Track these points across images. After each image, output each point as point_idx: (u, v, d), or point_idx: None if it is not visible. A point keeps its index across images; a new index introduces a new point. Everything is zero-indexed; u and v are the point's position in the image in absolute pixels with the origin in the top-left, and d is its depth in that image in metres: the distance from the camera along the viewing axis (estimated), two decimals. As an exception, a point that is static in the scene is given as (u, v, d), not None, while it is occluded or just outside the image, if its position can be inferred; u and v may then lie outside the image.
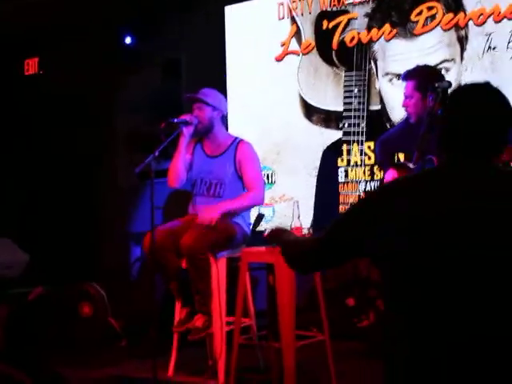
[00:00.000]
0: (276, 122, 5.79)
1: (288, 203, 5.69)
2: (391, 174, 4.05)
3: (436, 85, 3.45)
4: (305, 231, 3.96)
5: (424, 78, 3.86)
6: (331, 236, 1.85)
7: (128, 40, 6.38)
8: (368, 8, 5.38)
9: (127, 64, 6.56)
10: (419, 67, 4.09)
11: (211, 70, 6.17)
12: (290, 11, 5.74)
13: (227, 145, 4.41)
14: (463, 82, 4.72)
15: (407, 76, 3.99)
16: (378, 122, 5.35)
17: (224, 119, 4.57)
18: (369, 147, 5.37)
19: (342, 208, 5.47)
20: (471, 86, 1.87)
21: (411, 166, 3.98)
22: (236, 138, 4.46)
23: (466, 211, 1.62)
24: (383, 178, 4.26)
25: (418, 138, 3.40)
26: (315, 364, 4.19)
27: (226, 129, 4.82)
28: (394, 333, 1.64)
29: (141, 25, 6.44)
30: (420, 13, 5.15)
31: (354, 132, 5.44)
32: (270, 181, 5.80)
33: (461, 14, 5.01)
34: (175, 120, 4.26)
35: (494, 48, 4.86)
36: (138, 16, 6.40)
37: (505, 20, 4.85)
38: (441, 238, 1.60)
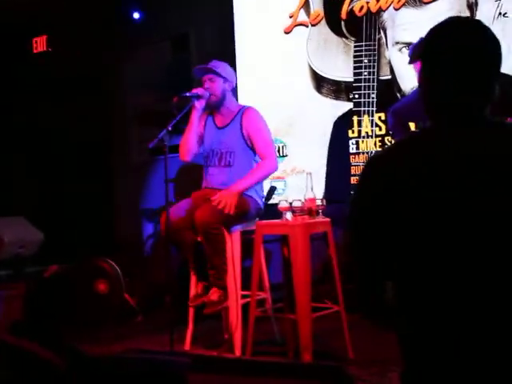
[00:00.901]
0: (286, 95, 5.76)
1: (300, 176, 5.68)
2: None
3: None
4: (318, 202, 3.93)
5: None
6: (355, 218, 1.70)
7: (136, 15, 6.35)
8: (377, -23, 5.32)
9: (135, 39, 6.54)
10: (418, 41, 4.00)
11: (220, 44, 6.16)
12: (298, -18, 5.69)
13: (234, 113, 4.39)
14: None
15: (415, 52, 3.86)
16: (388, 92, 5.31)
17: (234, 92, 4.55)
18: (379, 118, 5.34)
19: (353, 179, 5.45)
20: (451, 21, 1.71)
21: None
22: (243, 106, 4.44)
23: (460, 168, 1.54)
24: None
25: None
26: (330, 335, 4.21)
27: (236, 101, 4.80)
28: (406, 305, 1.61)
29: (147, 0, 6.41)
30: (429, -20, 5.09)
31: (364, 103, 5.41)
32: (281, 153, 5.78)
33: (471, -19, 4.95)
34: (187, 94, 4.24)
35: (504, 14, 4.80)
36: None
37: (515, -16, 4.79)
38: (439, 196, 1.53)
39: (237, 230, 4.20)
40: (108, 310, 5.30)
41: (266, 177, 4.37)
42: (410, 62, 3.80)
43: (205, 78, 4.35)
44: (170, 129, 4.01)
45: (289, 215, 3.90)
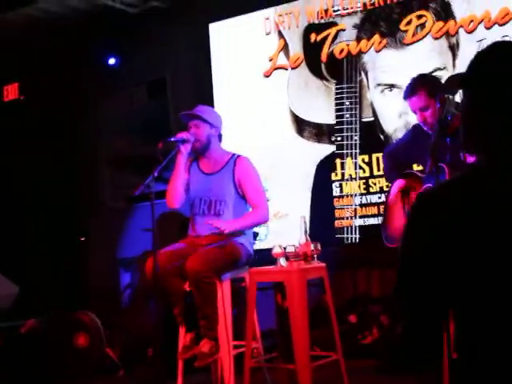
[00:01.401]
0: (267, 138, 5.71)
1: (282, 220, 5.59)
2: (399, 184, 3.95)
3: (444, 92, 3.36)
4: (312, 246, 3.82)
5: (431, 84, 3.74)
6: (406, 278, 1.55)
7: (112, 61, 6.26)
8: (356, 19, 5.32)
9: (110, 84, 6.45)
10: (420, 76, 3.94)
11: (198, 88, 6.09)
12: (277, 25, 5.67)
13: (225, 161, 4.30)
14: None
15: (414, 89, 3.73)
16: (371, 133, 5.28)
17: (220, 137, 4.46)
18: (363, 160, 5.29)
19: (337, 223, 5.37)
20: (495, 46, 1.55)
21: (420, 174, 3.89)
22: (234, 154, 4.36)
23: None
24: (389, 190, 4.16)
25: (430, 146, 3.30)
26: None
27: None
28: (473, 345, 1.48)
29: (123, 45, 6.34)
30: (409, 22, 5.10)
31: (347, 145, 5.36)
32: (263, 198, 5.67)
33: (451, 22, 4.96)
34: (172, 139, 4.15)
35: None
36: (119, 36, 6.29)
37: (496, 26, 4.81)
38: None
39: (227, 278, 4.07)
40: (88, 364, 5.09)
41: (257, 224, 4.29)
42: (407, 96, 3.78)
43: (191, 124, 4.26)
44: (156, 175, 3.90)
45: (283, 261, 3.78)
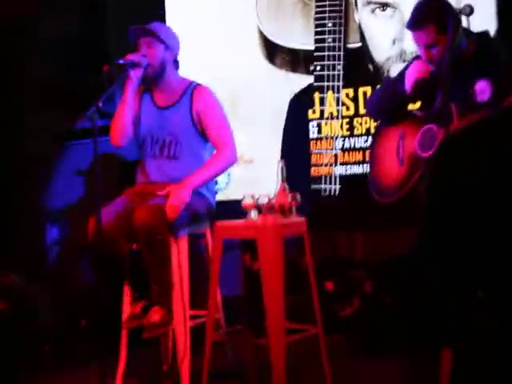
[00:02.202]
0: (230, 66, 5.64)
1: (248, 166, 5.55)
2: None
3: (458, 10, 3.33)
4: (290, 197, 3.79)
5: (442, 15, 3.67)
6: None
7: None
8: None
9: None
10: (427, 2, 3.87)
11: (146, 5, 5.96)
12: None
13: (181, 91, 4.23)
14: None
15: (421, 21, 3.66)
16: (358, 63, 5.25)
17: (177, 64, 4.38)
18: (347, 95, 5.27)
19: (314, 170, 5.34)
20: None
21: (418, 114, 3.87)
22: (192, 82, 4.30)
23: None
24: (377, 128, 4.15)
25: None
26: (306, 363, 4.09)
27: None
28: None
29: None
30: None
31: (328, 76, 5.32)
32: (223, 139, 5.63)
33: None
34: (121, 61, 4.07)
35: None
36: None
37: None
38: None
39: (184, 234, 4.04)
40: (8, 337, 5.03)
41: (224, 170, 4.26)
42: (411, 28, 3.73)
43: (141, 43, 4.17)
44: (100, 105, 3.79)
45: (254, 214, 3.75)
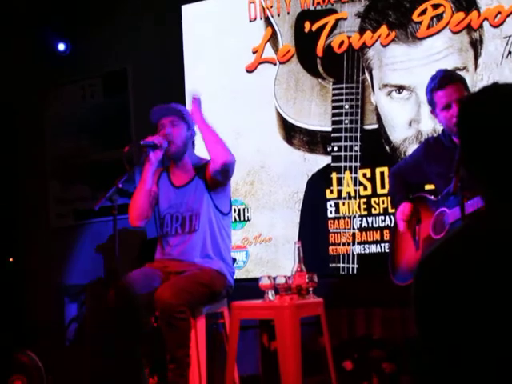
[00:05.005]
0: (249, 146, 5.70)
1: (264, 245, 5.59)
2: (402, 209, 3.98)
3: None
4: (308, 278, 3.84)
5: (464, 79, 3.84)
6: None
7: (61, 47, 6.25)
8: (360, 6, 5.36)
9: (59, 77, 6.43)
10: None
11: (165, 84, 6.08)
12: (264, 11, 5.69)
13: (196, 168, 4.33)
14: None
15: (451, 77, 3.82)
16: (374, 144, 5.29)
17: (193, 144, 4.48)
18: (364, 175, 5.31)
19: (332, 249, 5.38)
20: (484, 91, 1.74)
21: (431, 197, 3.92)
22: (208, 160, 4.36)
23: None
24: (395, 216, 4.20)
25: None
26: None
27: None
28: None
29: (75, 28, 6.33)
30: (424, 12, 5.14)
31: (345, 157, 5.38)
32: (241, 218, 5.68)
33: (474, 13, 5.01)
34: (142, 142, 4.14)
35: (514, 52, 4.89)
36: (71, 17, 6.29)
37: (527, 20, 4.89)
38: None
39: (202, 313, 4.07)
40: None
41: (222, 150, 4.24)
42: (442, 85, 3.81)
43: (164, 122, 4.26)
44: (120, 186, 3.89)
45: (272, 294, 3.79)
